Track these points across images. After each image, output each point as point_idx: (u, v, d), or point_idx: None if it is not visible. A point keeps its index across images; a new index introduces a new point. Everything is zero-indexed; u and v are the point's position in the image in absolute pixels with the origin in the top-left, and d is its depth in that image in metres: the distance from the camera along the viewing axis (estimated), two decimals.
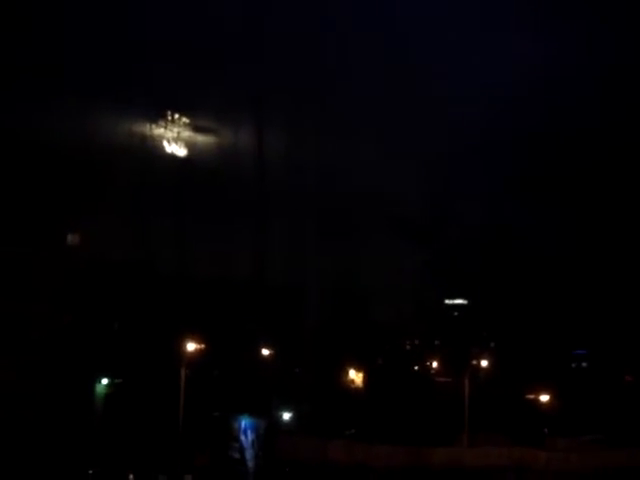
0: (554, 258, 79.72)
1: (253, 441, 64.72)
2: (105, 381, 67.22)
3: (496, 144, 78.64)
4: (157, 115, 79.72)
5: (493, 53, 77.93)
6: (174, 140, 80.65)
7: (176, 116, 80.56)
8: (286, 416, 67.66)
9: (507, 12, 76.99)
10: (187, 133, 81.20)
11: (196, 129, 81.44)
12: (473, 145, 79.40)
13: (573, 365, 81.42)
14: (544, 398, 65.70)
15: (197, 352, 65.36)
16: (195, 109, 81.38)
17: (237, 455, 64.83)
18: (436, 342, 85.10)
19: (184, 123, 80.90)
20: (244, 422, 65.60)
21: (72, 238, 68.89)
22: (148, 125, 79.37)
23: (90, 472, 60.00)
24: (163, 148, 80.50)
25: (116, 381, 67.79)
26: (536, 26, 77.49)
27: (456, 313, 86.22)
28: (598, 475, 60.80)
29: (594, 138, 77.92)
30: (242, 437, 65.11)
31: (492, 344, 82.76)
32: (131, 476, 60.84)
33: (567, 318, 79.02)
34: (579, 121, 77.63)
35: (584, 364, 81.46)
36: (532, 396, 68.80)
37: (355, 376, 79.08)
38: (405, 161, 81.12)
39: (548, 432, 65.25)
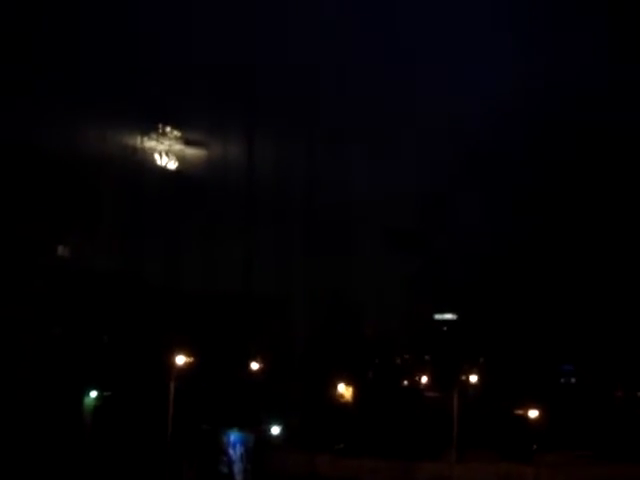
0: (543, 273, 79.88)
1: (242, 455, 64.56)
2: (94, 394, 66.98)
3: (489, 155, 78.89)
4: (148, 128, 79.99)
5: (484, 64, 78.32)
6: (165, 153, 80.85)
7: (167, 129, 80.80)
8: (275, 430, 67.41)
9: (505, 22, 77.36)
10: (178, 146, 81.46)
11: (187, 142, 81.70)
12: (465, 156, 79.62)
13: (562, 380, 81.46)
14: (533, 414, 65.52)
15: (186, 365, 65.17)
16: (186, 122, 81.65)
17: (225, 469, 64.65)
18: (426, 357, 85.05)
19: (175, 136, 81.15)
20: (233, 436, 65.46)
21: (62, 250, 68.94)
22: (139, 138, 79.61)
23: None
24: (154, 161, 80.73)
25: (105, 394, 67.56)
26: (534, 36, 77.86)
27: (445, 328, 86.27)
28: None
29: (586, 150, 78.31)
30: (230, 451, 64.93)
31: (481, 359, 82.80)
32: None
33: (556, 333, 79.13)
34: (572, 132, 78.09)
35: (573, 380, 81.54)
36: (521, 411, 68.67)
37: (344, 390, 78.95)
38: (395, 172, 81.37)
39: (536, 448, 65.18)
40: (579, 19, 77.72)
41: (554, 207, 79.82)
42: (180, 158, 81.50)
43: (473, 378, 79.13)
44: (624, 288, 77.65)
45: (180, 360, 63.61)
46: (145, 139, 79.87)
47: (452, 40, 78.48)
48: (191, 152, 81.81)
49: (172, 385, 61.71)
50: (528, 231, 79.58)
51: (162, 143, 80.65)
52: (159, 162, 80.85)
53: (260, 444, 65.41)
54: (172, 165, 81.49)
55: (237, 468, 64.31)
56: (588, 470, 62.69)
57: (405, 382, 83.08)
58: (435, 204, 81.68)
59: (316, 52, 77.62)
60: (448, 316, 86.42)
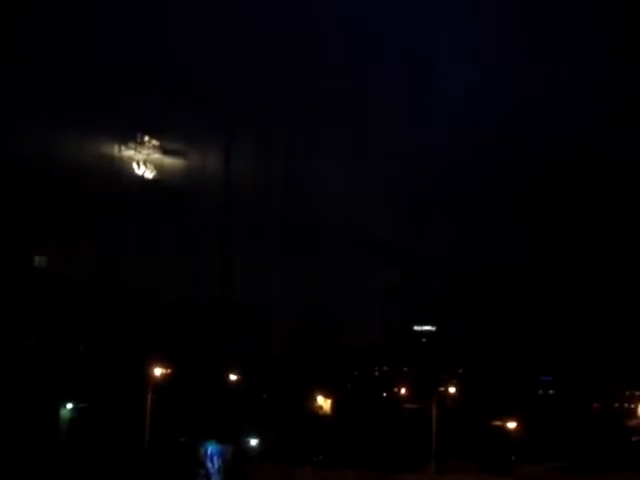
0: (522, 285, 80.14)
1: (220, 467, 64.07)
2: (70, 405, 66.25)
3: (467, 166, 79.24)
4: (127, 137, 79.67)
5: (468, 80, 78.73)
6: (143, 162, 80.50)
7: (146, 138, 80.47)
8: (253, 442, 67.03)
9: (492, 39, 77.90)
10: (156, 155, 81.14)
11: (165, 152, 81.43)
12: (443, 167, 79.88)
13: (540, 392, 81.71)
14: (511, 425, 65.76)
15: (163, 376, 64.71)
16: (165, 132, 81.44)
17: None
18: (405, 368, 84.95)
19: (154, 145, 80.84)
20: (211, 448, 64.93)
21: (39, 260, 68.34)
22: (117, 147, 79.23)
23: None
24: (132, 170, 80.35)
25: (81, 405, 66.84)
26: (510, 57, 78.44)
27: (424, 339, 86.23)
28: None
29: (565, 162, 78.88)
30: (208, 463, 64.41)
31: (460, 371, 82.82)
32: None
33: (535, 345, 79.41)
34: (551, 145, 78.65)
35: (551, 391, 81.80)
36: (499, 423, 68.81)
37: (323, 402, 78.74)
38: (376, 183, 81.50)
39: (515, 459, 65.24)
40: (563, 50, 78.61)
41: (533, 220, 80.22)
42: (158, 167, 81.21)
43: (452, 389, 79.14)
44: (603, 299, 78.10)
45: (157, 371, 63.11)
46: (123, 148, 79.53)
47: (428, 63, 79.18)
48: (169, 161, 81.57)
49: (149, 397, 61.18)
50: (508, 244, 79.84)
51: (140, 152, 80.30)
52: (137, 171, 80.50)
53: (238, 456, 64.97)
54: (150, 174, 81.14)
55: None
56: None
57: (384, 394, 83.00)
58: (415, 216, 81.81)
59: (295, 61, 77.83)
60: (427, 327, 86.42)
